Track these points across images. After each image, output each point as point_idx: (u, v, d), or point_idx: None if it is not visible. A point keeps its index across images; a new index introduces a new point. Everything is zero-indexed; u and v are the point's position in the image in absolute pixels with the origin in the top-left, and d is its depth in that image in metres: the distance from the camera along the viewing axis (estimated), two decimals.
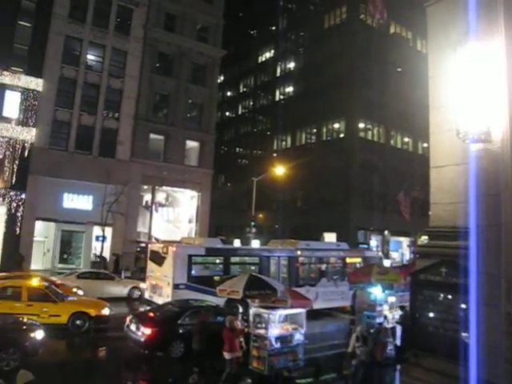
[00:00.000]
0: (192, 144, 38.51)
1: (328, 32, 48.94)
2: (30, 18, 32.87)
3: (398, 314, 15.69)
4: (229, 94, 64.14)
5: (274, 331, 12.66)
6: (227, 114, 63.85)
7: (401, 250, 48.52)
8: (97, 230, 33.05)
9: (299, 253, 22.18)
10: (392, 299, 16.69)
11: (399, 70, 47.43)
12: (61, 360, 13.98)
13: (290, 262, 21.76)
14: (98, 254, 32.18)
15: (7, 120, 31.04)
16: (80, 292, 20.69)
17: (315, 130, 49.94)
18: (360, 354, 11.89)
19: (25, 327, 13.02)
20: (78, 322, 16.37)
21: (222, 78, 54.92)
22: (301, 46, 53.06)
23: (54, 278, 22.21)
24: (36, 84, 31.88)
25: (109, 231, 33.19)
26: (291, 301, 12.79)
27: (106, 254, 33.24)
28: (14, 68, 31.55)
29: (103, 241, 32.36)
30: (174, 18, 38.67)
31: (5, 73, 30.99)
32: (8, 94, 31.31)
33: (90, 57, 35.10)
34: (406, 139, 51.28)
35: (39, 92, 31.88)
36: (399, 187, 39.81)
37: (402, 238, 48.52)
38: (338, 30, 47.40)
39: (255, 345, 12.68)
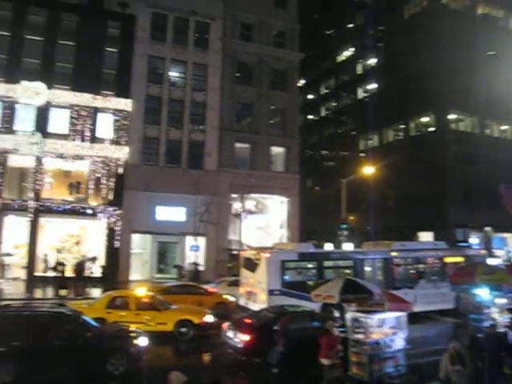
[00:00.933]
0: (277, 150, 38.45)
1: (409, 22, 46.89)
2: (115, 43, 34.82)
3: (508, 317, 14.13)
4: (310, 96, 63.57)
5: (373, 336, 12.04)
6: (310, 117, 63.30)
7: (506, 248, 44.73)
8: (190, 240, 33.84)
9: (395, 254, 21.24)
10: (502, 301, 15.12)
11: (491, 53, 44.17)
12: (164, 365, 14.18)
13: (385, 264, 20.97)
14: (177, 263, 33.16)
15: (101, 140, 32.97)
16: (232, 298, 21.57)
17: (403, 126, 47.86)
18: (457, 379, 9.99)
19: (129, 334, 13.57)
20: (182, 330, 16.72)
21: (302, 81, 54.46)
22: (380, 40, 51.30)
23: (205, 286, 23.11)
24: (125, 104, 33.58)
25: (202, 241, 33.92)
26: (389, 304, 12.21)
27: (200, 263, 33.91)
28: (104, 92, 33.51)
29: (196, 250, 33.09)
30: (249, 27, 39.06)
31: (97, 97, 32.99)
32: (100, 116, 33.26)
33: (172, 74, 36.40)
34: (504, 127, 47.55)
35: (129, 112, 33.58)
36: (499, 179, 36.77)
37: (506, 235, 44.77)
38: (420, 19, 45.20)
39: (354, 350, 12.15)
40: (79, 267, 29.79)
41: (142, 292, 18.65)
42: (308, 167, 49.75)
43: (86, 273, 30.24)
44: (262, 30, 39.06)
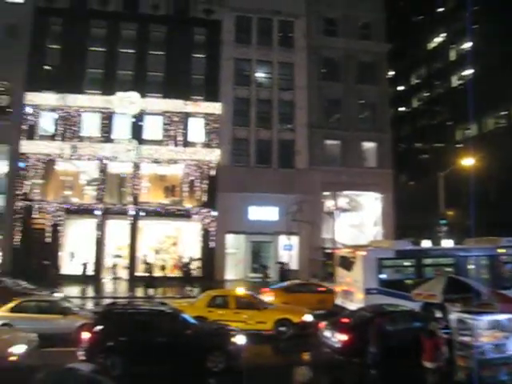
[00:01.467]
0: (368, 145, 37.21)
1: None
2: (202, 49, 35.71)
3: None
4: (401, 88, 60.94)
5: (482, 339, 11.09)
6: (401, 109, 60.66)
7: None
8: (283, 240, 33.64)
9: (502, 251, 19.61)
10: None
11: None
12: (263, 364, 14.27)
13: (491, 261, 19.52)
14: (260, 263, 32.94)
15: (193, 144, 33.88)
16: None
17: (506, 112, 44.35)
18: None
19: (228, 332, 13.81)
20: (281, 329, 16.68)
21: (391, 73, 52.36)
22: (475, 22, 47.98)
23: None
24: (215, 108, 34.25)
25: (295, 240, 33.58)
26: (500, 305, 11.38)
27: (294, 262, 33.61)
28: (194, 97, 34.39)
29: (290, 249, 32.82)
30: (333, 22, 38.28)
31: (187, 102, 33.94)
32: (192, 120, 34.20)
33: (259, 74, 36.56)
34: None
35: (218, 115, 34.22)
36: None
37: None
38: None
39: (460, 354, 11.32)
40: (185, 267, 30.86)
41: (241, 291, 18.81)
42: (401, 161, 47.55)
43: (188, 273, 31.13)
44: (346, 23, 38.09)
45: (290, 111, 35.80)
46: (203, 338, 13.21)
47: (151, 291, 26.10)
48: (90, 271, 31.17)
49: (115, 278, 31.59)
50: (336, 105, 37.15)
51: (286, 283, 24.09)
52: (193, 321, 14.12)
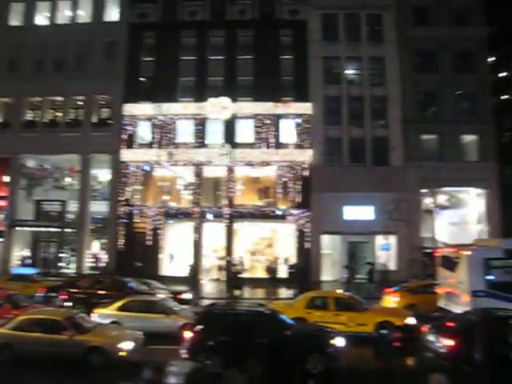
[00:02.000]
0: (468, 138, 35.01)
1: None
2: (289, 50, 35.63)
3: None
4: (503, 74, 56.65)
5: None
6: (504, 97, 56.37)
7: None
8: (380, 239, 32.59)
9: None
10: None
11: None
12: (362, 367, 13.84)
13: None
14: (347, 264, 31.80)
15: (286, 146, 33.83)
16: None
17: None
18: None
19: (327, 334, 13.73)
20: (383, 332, 16.00)
21: (491, 59, 48.88)
22: None
23: None
24: (305, 108, 34.02)
25: (392, 239, 32.43)
26: None
27: (392, 262, 32.48)
28: (284, 98, 34.35)
29: (388, 249, 31.74)
30: (425, 10, 36.36)
31: (278, 104, 34.01)
32: (282, 122, 34.18)
33: (348, 71, 35.73)
34: None
35: (309, 115, 33.96)
36: None
37: None
38: None
39: None
40: (292, 268, 31.22)
41: (340, 292, 18.41)
42: (507, 153, 44.20)
43: (283, 274, 31.15)
44: (439, 10, 36.09)
45: (382, 107, 34.59)
46: (302, 339, 13.20)
47: (238, 292, 26.29)
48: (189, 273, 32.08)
49: (211, 280, 32.35)
50: (431, 97, 35.35)
51: (408, 283, 23.41)
52: (291, 322, 14.13)
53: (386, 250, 31.62)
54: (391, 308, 19.28)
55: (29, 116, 37.60)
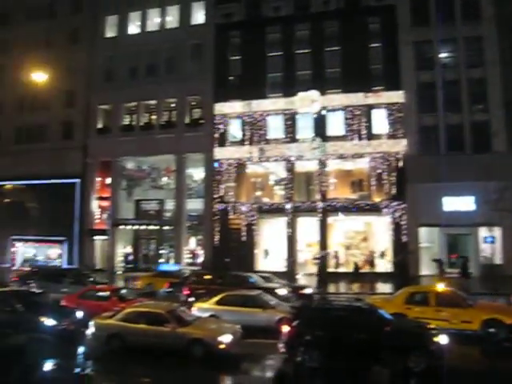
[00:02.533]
0: None
1: None
2: (377, 38, 34.49)
3: None
4: None
5: None
6: None
7: None
8: (484, 231, 30.86)
9: None
10: None
11: None
12: (468, 367, 13.07)
13: None
14: (436, 257, 29.83)
15: (378, 136, 32.96)
16: None
17: None
18: None
19: (429, 331, 13.11)
20: (491, 330, 14.98)
21: None
22: None
23: None
24: (397, 97, 32.93)
25: (497, 232, 30.54)
26: None
27: (497, 256, 30.64)
28: (374, 88, 33.41)
29: (492, 242, 29.99)
30: None
31: (368, 94, 33.20)
32: (374, 112, 33.32)
33: (442, 55, 33.99)
34: None
35: (402, 103, 32.80)
36: None
37: None
38: None
39: None
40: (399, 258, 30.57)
41: (442, 287, 17.58)
42: None
43: (378, 268, 30.45)
44: None
45: (481, 90, 32.45)
46: (404, 336, 12.67)
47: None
48: (287, 267, 32.45)
49: (305, 274, 32.34)
50: None
51: None
52: (391, 317, 13.66)
53: (490, 243, 29.90)
54: (499, 304, 18.08)
55: (126, 120, 39.81)
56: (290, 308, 16.30)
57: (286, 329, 13.30)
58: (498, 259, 30.53)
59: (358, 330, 12.60)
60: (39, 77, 33.22)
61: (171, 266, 31.31)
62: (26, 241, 42.36)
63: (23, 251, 42.98)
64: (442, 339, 12.60)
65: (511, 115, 31.74)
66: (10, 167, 40.70)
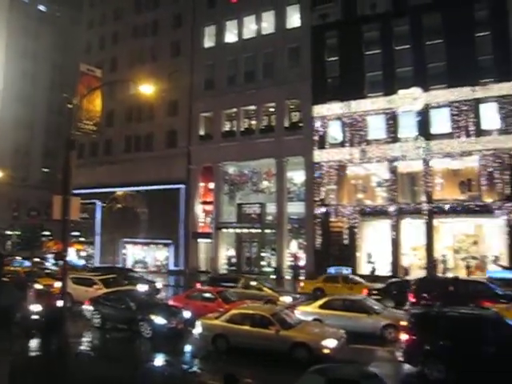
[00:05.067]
0: None
1: None
2: (485, 26, 32.14)
3: None
4: None
5: None
6: None
7: None
8: None
9: None
10: None
11: None
12: None
13: None
14: None
15: (488, 132, 30.82)
16: None
17: None
18: None
19: None
20: None
21: None
22: None
23: None
24: (509, 88, 30.51)
25: None
26: None
27: None
28: (482, 80, 31.32)
29: None
30: None
31: (475, 88, 31.18)
32: (482, 107, 31.22)
33: None
34: None
35: None
36: None
37: None
38: None
39: None
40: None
41: None
42: None
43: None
44: None
45: None
46: None
47: None
48: (385, 272, 31.68)
49: None
50: None
51: None
52: None
53: None
54: None
55: (227, 127, 41.11)
56: (410, 316, 15.81)
57: (404, 337, 12.97)
58: None
59: (486, 341, 11.87)
60: (145, 89, 35.57)
61: (340, 269, 29.69)
62: (136, 243, 45.28)
63: (133, 253, 45.99)
64: None
65: None
66: (120, 175, 43.83)
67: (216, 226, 39.66)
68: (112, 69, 47.14)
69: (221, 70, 41.12)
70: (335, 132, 35.55)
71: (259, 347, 14.40)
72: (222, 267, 39.61)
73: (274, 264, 37.25)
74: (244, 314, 15.54)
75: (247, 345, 14.65)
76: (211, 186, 41.09)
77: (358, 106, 34.27)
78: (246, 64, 40.07)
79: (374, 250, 33.83)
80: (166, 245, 43.23)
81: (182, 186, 41.93)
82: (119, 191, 45.42)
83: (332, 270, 29.60)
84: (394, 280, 25.75)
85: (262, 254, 38.94)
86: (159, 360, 15.32)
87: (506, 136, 30.26)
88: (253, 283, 24.00)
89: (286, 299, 21.26)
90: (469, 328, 12.40)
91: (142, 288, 24.22)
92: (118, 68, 47.54)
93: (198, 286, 25.87)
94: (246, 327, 14.88)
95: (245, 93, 38.72)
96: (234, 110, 40.17)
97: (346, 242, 33.99)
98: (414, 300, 19.27)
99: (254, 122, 39.68)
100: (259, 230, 38.20)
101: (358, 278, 27.37)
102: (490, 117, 30.92)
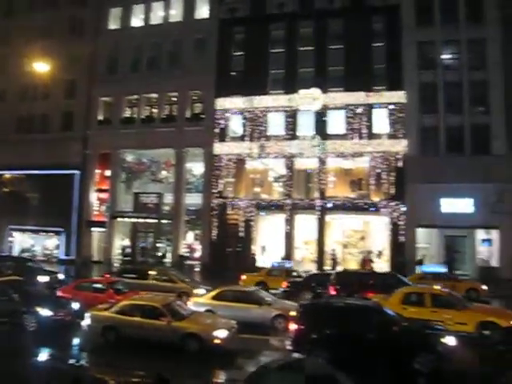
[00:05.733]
0: None
1: None
2: (381, 37, 34.43)
3: None
4: None
5: None
6: None
7: None
8: (481, 234, 31.00)
9: None
10: None
11: None
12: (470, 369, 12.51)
13: None
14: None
15: (378, 136, 32.97)
16: None
17: None
18: None
19: (436, 332, 13.06)
20: (486, 332, 14.78)
21: None
22: None
23: None
24: (398, 97, 32.86)
25: (495, 234, 30.65)
26: None
27: (494, 259, 30.82)
28: (376, 87, 33.39)
29: (489, 245, 30.12)
30: None
31: (370, 94, 33.15)
32: (375, 112, 33.29)
33: (445, 56, 33.94)
34: None
35: (403, 103, 32.73)
36: None
37: None
38: None
39: None
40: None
41: (437, 288, 17.60)
42: None
43: (375, 268, 30.39)
44: None
45: (482, 92, 32.33)
46: (411, 336, 12.43)
47: None
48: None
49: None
50: None
51: None
52: (398, 317, 13.48)
53: (487, 246, 30.06)
54: (495, 307, 18.06)
55: (127, 113, 39.73)
56: (299, 306, 16.19)
57: (292, 326, 13.21)
58: (495, 262, 30.62)
59: (368, 329, 12.38)
60: (41, 67, 33.45)
61: (283, 263, 29.33)
62: (24, 231, 42.39)
63: (21, 241, 43.01)
64: (450, 341, 12.53)
65: (511, 118, 31.74)
66: (9, 156, 40.56)
67: (111, 214, 38.27)
68: (4, 42, 43.52)
69: (124, 55, 39.60)
70: (236, 126, 35.90)
71: (151, 338, 14.12)
72: (116, 257, 38.34)
73: (169, 255, 36.71)
74: (135, 304, 15.15)
75: (138, 336, 14.29)
76: (108, 173, 39.47)
77: (259, 102, 34.82)
78: (151, 51, 39.04)
79: (268, 242, 34.59)
80: (57, 233, 40.81)
81: (76, 172, 39.81)
82: (7, 174, 42.30)
83: (275, 264, 29.28)
84: (314, 272, 26.70)
85: (158, 245, 38.25)
86: (43, 354, 14.31)
87: (394, 140, 32.52)
88: (164, 277, 22.90)
89: (200, 291, 20.90)
90: (352, 317, 12.86)
91: (42, 279, 22.71)
92: (12, 42, 44.00)
93: (107, 276, 24.14)
94: (137, 318, 14.51)
95: (148, 80, 37.62)
96: (136, 96, 38.94)
97: (241, 234, 34.41)
98: (334, 292, 19.70)
99: (155, 111, 38.73)
100: (156, 220, 37.49)
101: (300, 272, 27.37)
102: (381, 122, 33.03)
